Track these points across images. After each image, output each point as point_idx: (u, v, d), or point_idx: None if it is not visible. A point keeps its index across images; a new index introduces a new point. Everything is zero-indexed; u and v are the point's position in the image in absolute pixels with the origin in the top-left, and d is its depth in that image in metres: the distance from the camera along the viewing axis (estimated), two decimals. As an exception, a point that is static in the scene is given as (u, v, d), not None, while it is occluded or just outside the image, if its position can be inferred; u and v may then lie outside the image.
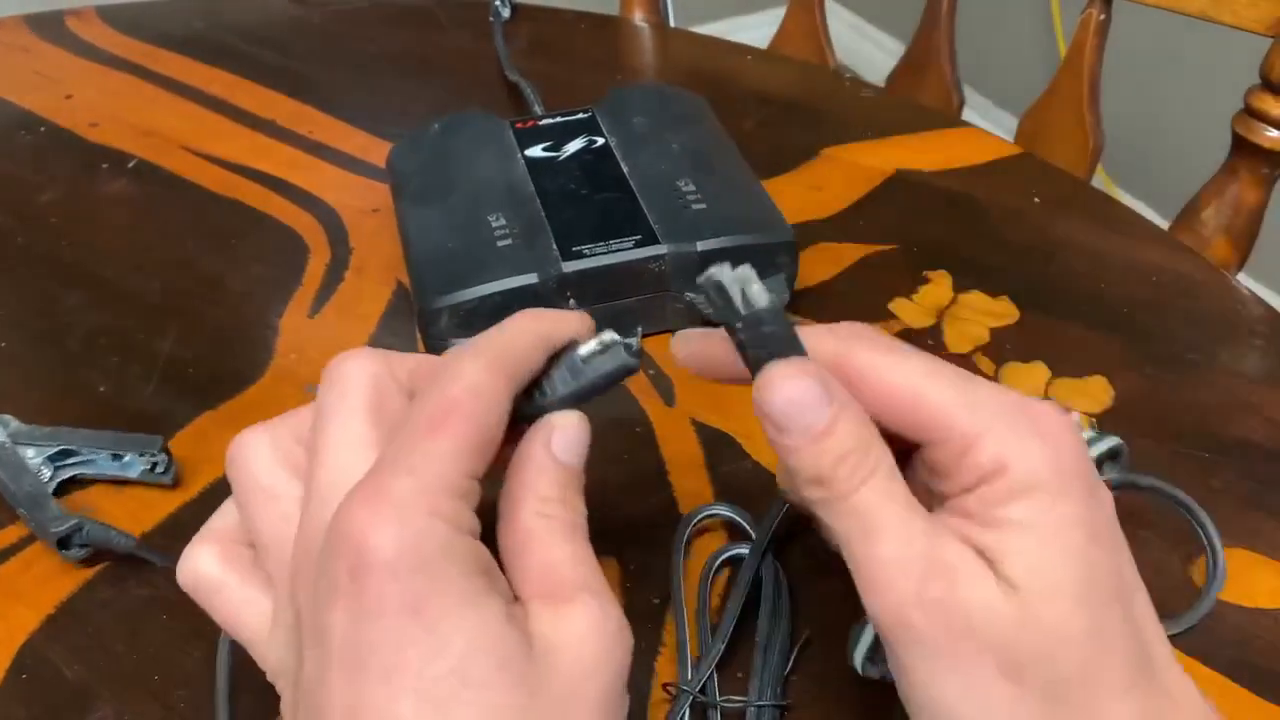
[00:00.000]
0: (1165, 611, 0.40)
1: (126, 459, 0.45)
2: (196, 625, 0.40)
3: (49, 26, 0.77)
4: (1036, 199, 0.59)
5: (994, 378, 0.49)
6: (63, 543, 0.41)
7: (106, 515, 0.43)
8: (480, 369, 0.28)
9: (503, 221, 0.50)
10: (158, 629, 0.40)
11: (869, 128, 0.65)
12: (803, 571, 0.40)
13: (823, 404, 0.28)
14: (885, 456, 0.28)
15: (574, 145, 0.55)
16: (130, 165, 0.64)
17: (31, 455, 0.44)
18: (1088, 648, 0.26)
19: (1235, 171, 0.69)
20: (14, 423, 0.45)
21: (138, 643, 0.39)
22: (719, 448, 0.46)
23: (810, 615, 0.39)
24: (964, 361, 0.50)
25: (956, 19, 0.84)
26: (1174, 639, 0.39)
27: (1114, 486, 0.41)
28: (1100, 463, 0.41)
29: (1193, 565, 0.41)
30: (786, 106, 0.68)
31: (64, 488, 0.44)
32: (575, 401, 0.31)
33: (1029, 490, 0.27)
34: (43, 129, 0.67)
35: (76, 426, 0.45)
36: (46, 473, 0.44)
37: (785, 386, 0.28)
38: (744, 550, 0.40)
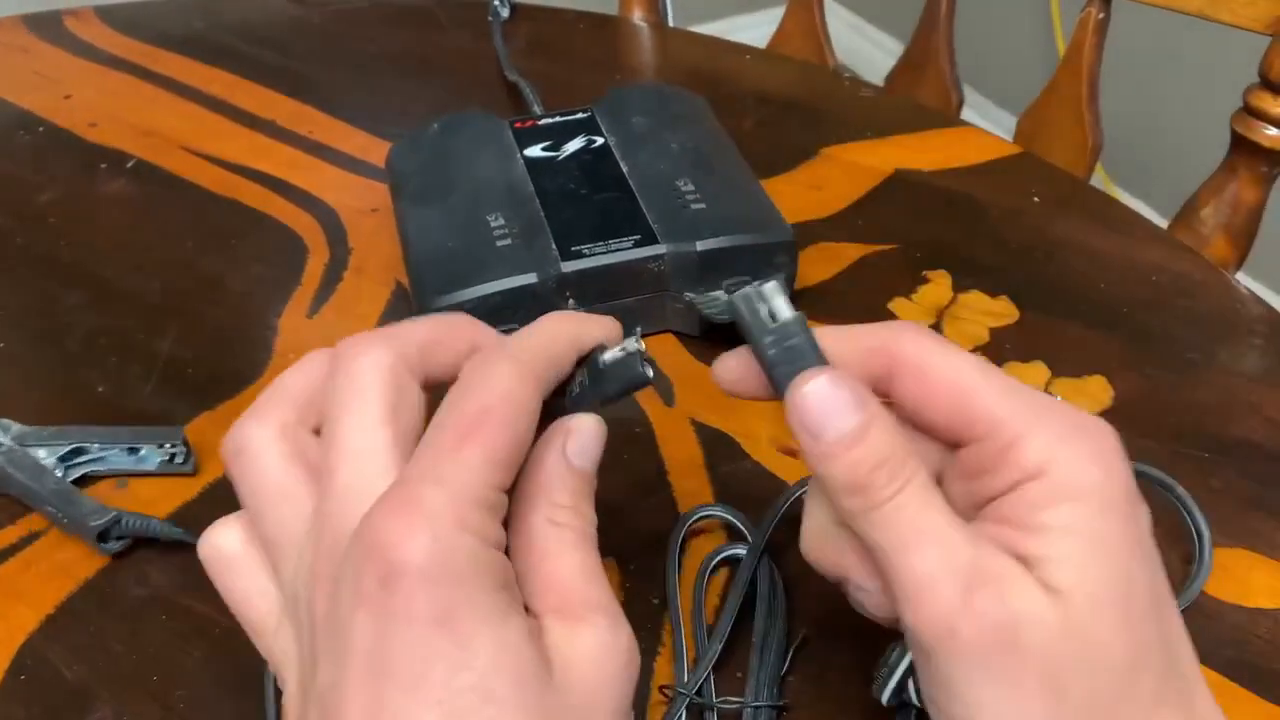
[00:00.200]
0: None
1: (143, 452, 0.45)
2: (197, 625, 0.40)
3: (48, 26, 0.77)
4: (1036, 198, 0.59)
5: (993, 377, 0.49)
6: (102, 536, 0.41)
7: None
8: (513, 375, 0.28)
9: (502, 221, 0.50)
10: (157, 629, 0.40)
11: (868, 127, 0.65)
12: (799, 572, 0.40)
13: (855, 409, 0.28)
14: (921, 467, 0.28)
15: (573, 145, 0.55)
16: (129, 165, 0.64)
17: (43, 456, 0.44)
18: (1127, 661, 0.26)
19: (1234, 170, 0.69)
20: (15, 426, 0.45)
21: (137, 643, 0.39)
22: (719, 448, 0.46)
23: (806, 616, 0.39)
24: (963, 361, 0.50)
25: (955, 18, 0.84)
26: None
27: None
28: None
29: (1191, 564, 0.41)
30: (786, 106, 0.68)
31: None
32: (593, 406, 0.31)
33: (1072, 496, 0.27)
34: (41, 129, 0.67)
35: (80, 426, 0.45)
36: (59, 473, 0.44)
37: (818, 392, 0.28)
38: (740, 551, 0.40)
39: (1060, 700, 0.26)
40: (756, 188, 0.53)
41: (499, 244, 0.48)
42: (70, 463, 0.44)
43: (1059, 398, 0.29)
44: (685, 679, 0.37)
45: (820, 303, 0.53)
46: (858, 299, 0.53)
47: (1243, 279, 0.57)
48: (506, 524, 0.28)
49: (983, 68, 1.78)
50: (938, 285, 0.54)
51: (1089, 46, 0.76)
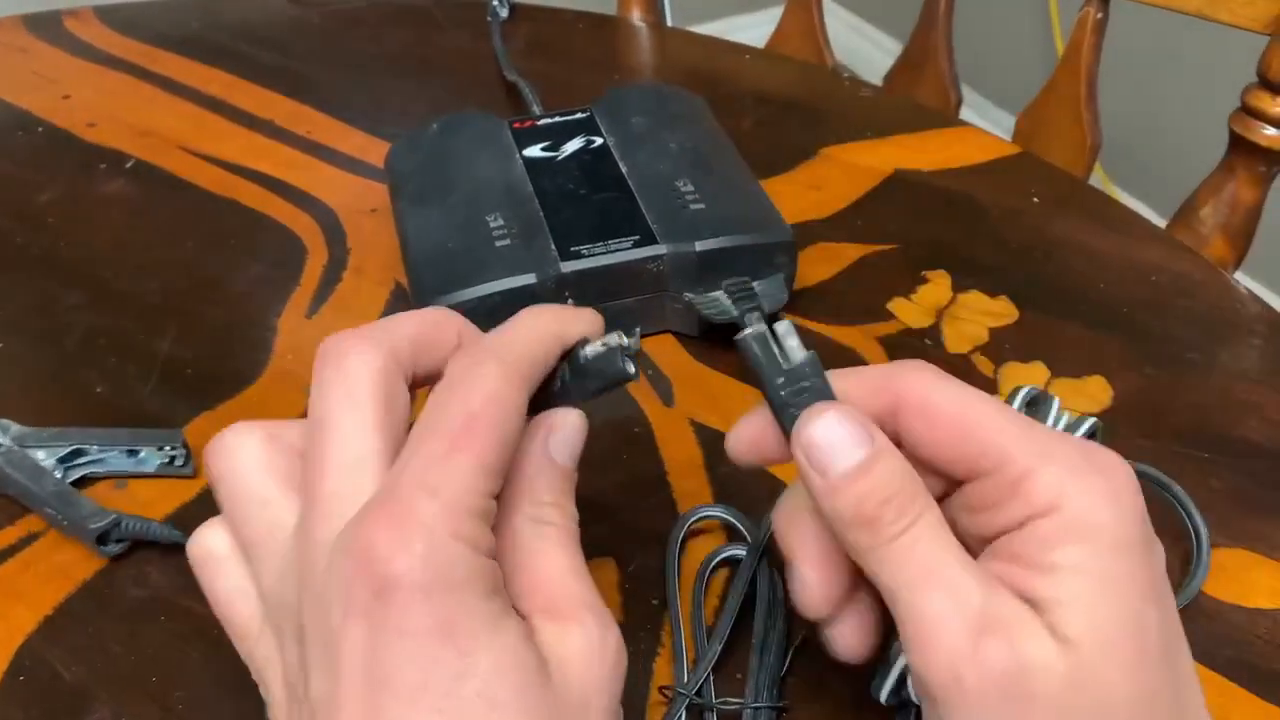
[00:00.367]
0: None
1: (142, 454, 0.45)
2: (196, 626, 0.40)
3: (46, 26, 0.77)
4: (1035, 198, 0.59)
5: (993, 378, 0.49)
6: (101, 538, 0.41)
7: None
8: (499, 377, 0.28)
9: (501, 221, 0.50)
10: (156, 630, 0.40)
11: (867, 127, 0.65)
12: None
13: (861, 443, 0.28)
14: (932, 505, 0.28)
15: (572, 145, 0.55)
16: (128, 165, 0.64)
17: (43, 457, 0.44)
18: (1135, 709, 0.26)
19: (1232, 169, 0.69)
20: (14, 426, 0.45)
21: (136, 644, 0.39)
22: (718, 448, 0.45)
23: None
24: (963, 361, 0.50)
25: (954, 18, 0.84)
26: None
27: None
28: None
29: (1189, 564, 0.41)
30: (785, 106, 0.68)
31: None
32: (576, 400, 0.31)
33: (1084, 534, 0.26)
34: (40, 129, 0.67)
35: (75, 427, 0.45)
36: (58, 474, 0.44)
37: (823, 425, 0.28)
38: (740, 551, 0.40)
39: None
40: (756, 188, 0.53)
41: (498, 244, 0.48)
42: (69, 464, 0.44)
43: (1075, 434, 0.29)
44: (685, 679, 0.37)
45: (820, 303, 0.53)
46: (857, 299, 0.53)
47: (1241, 278, 0.57)
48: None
49: (982, 67, 1.78)
50: (937, 285, 0.54)
51: (1087, 46, 0.76)
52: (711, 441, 0.46)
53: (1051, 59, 1.71)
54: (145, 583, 0.41)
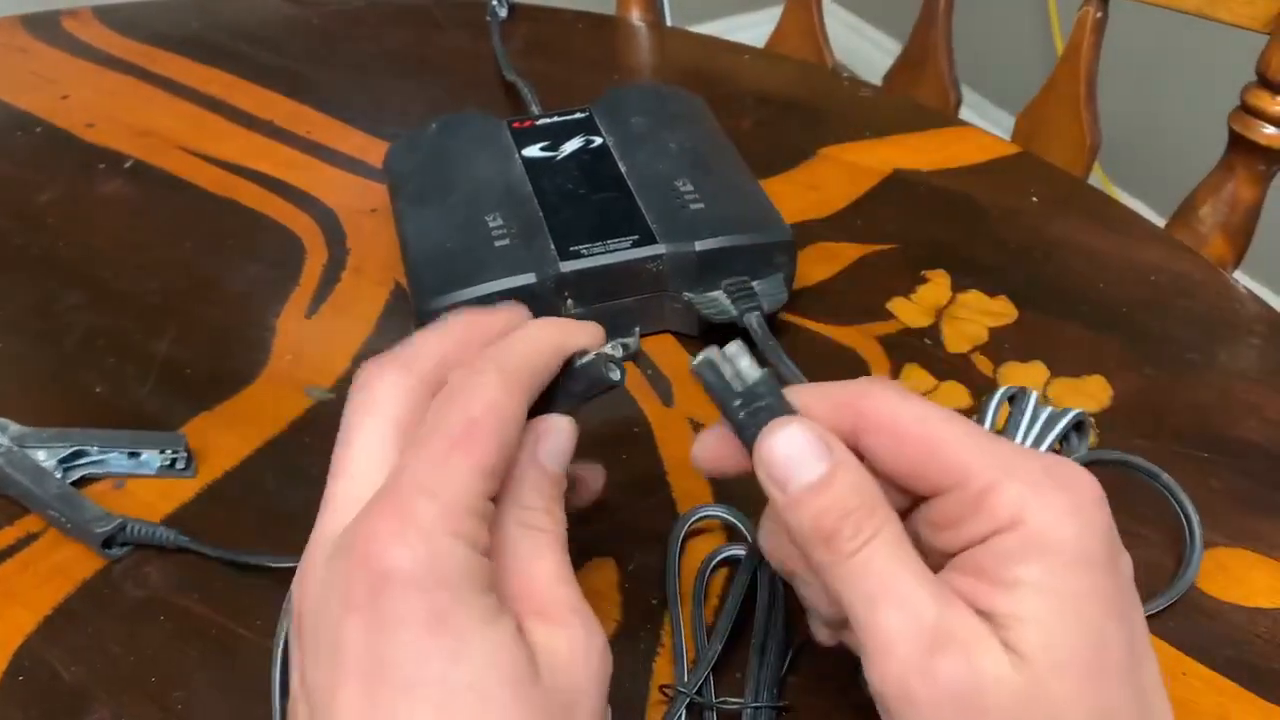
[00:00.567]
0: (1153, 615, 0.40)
1: (144, 456, 0.45)
2: (195, 626, 0.40)
3: (45, 27, 0.77)
4: (1034, 198, 0.59)
5: (992, 377, 0.49)
6: (106, 542, 0.41)
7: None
8: (499, 386, 0.28)
9: (500, 221, 0.50)
10: (155, 630, 0.40)
11: (867, 127, 0.65)
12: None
13: (821, 457, 0.28)
14: (891, 519, 0.28)
15: (571, 145, 0.55)
16: (127, 165, 0.64)
17: (43, 458, 0.44)
18: None
19: (1232, 169, 0.69)
20: (14, 426, 0.45)
21: (135, 644, 0.39)
22: (717, 448, 0.46)
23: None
24: (962, 361, 0.50)
25: (954, 17, 0.84)
26: (1168, 631, 0.39)
27: (1081, 462, 0.41)
28: (1065, 437, 0.41)
29: (1182, 552, 0.41)
30: (784, 106, 0.68)
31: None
32: (565, 406, 0.31)
33: (1045, 549, 0.26)
34: (39, 129, 0.67)
35: (74, 427, 0.45)
36: (58, 474, 0.44)
37: (783, 440, 0.28)
38: (740, 551, 0.40)
39: None
40: (755, 188, 0.53)
41: (497, 244, 0.48)
42: (70, 465, 0.44)
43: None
44: (685, 679, 0.37)
45: (819, 303, 0.53)
46: (856, 299, 0.53)
47: (1240, 278, 0.57)
48: None
49: (981, 67, 1.78)
50: (936, 285, 0.54)
51: (1087, 45, 0.76)
52: (711, 441, 0.46)
53: (1051, 58, 1.71)
54: (144, 583, 0.41)
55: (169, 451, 0.45)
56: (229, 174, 0.63)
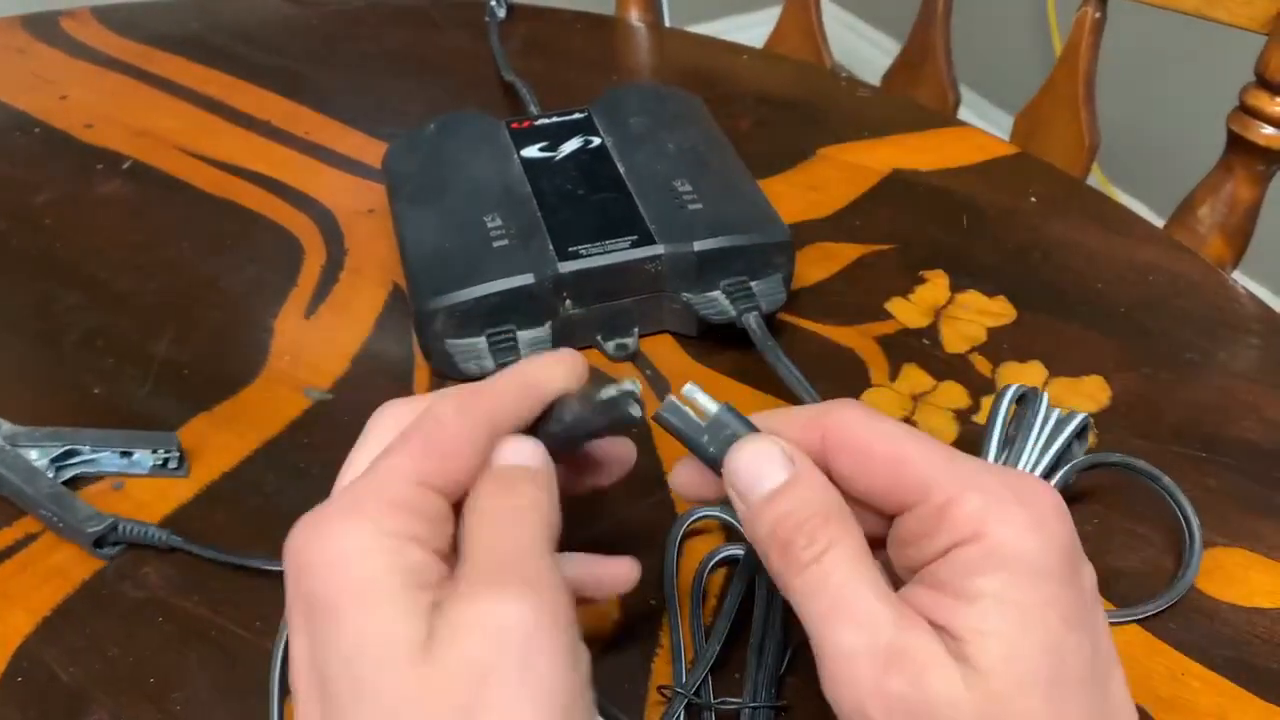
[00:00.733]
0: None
1: (136, 456, 0.45)
2: (193, 627, 0.40)
3: (44, 27, 0.77)
4: (1033, 198, 0.59)
5: (991, 378, 0.49)
6: (98, 542, 0.41)
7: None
8: (454, 408, 0.29)
9: (499, 222, 0.50)
10: (153, 631, 0.40)
11: (865, 127, 0.65)
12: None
13: (781, 467, 0.29)
14: (851, 532, 0.28)
15: (570, 145, 0.55)
16: (125, 166, 0.64)
17: (35, 457, 0.44)
18: None
19: (1230, 169, 0.69)
20: (6, 425, 0.45)
21: (133, 645, 0.39)
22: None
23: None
24: (961, 361, 0.50)
25: (952, 18, 0.84)
26: (1167, 632, 0.39)
27: (1083, 465, 0.41)
28: (1070, 443, 0.41)
29: (1181, 554, 0.41)
30: (783, 106, 0.68)
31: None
32: (581, 438, 0.32)
33: (1004, 562, 0.26)
34: (37, 130, 0.67)
35: (68, 427, 0.45)
36: (50, 474, 0.44)
37: (746, 452, 0.29)
38: (738, 551, 0.40)
39: None
40: (754, 188, 0.53)
41: (496, 245, 0.48)
42: (62, 464, 0.44)
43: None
44: (683, 679, 0.37)
45: (818, 303, 0.53)
46: (855, 299, 0.53)
47: (1239, 278, 0.57)
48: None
49: (979, 67, 1.78)
50: (935, 285, 0.54)
51: (1085, 46, 0.76)
52: (709, 442, 0.46)
53: (1049, 59, 1.71)
54: (143, 584, 0.41)
55: (161, 451, 0.45)
56: (227, 174, 0.63)
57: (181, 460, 0.45)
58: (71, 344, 0.52)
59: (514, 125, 0.56)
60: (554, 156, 0.54)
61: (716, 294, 0.49)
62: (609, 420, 0.32)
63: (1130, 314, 0.52)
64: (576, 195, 0.51)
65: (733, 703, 0.36)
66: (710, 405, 0.31)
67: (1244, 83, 0.68)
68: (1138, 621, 0.39)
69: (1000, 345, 0.51)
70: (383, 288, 0.55)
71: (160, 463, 0.45)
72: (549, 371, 0.32)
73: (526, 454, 0.30)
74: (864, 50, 2.12)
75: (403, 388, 0.49)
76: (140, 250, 0.57)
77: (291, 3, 0.79)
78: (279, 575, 0.40)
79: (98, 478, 0.45)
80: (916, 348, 0.51)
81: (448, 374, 0.48)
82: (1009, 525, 0.26)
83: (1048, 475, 0.41)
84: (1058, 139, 0.78)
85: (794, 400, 0.46)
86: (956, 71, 0.85)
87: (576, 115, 0.57)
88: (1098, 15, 0.75)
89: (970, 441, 0.45)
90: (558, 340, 0.48)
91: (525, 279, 0.47)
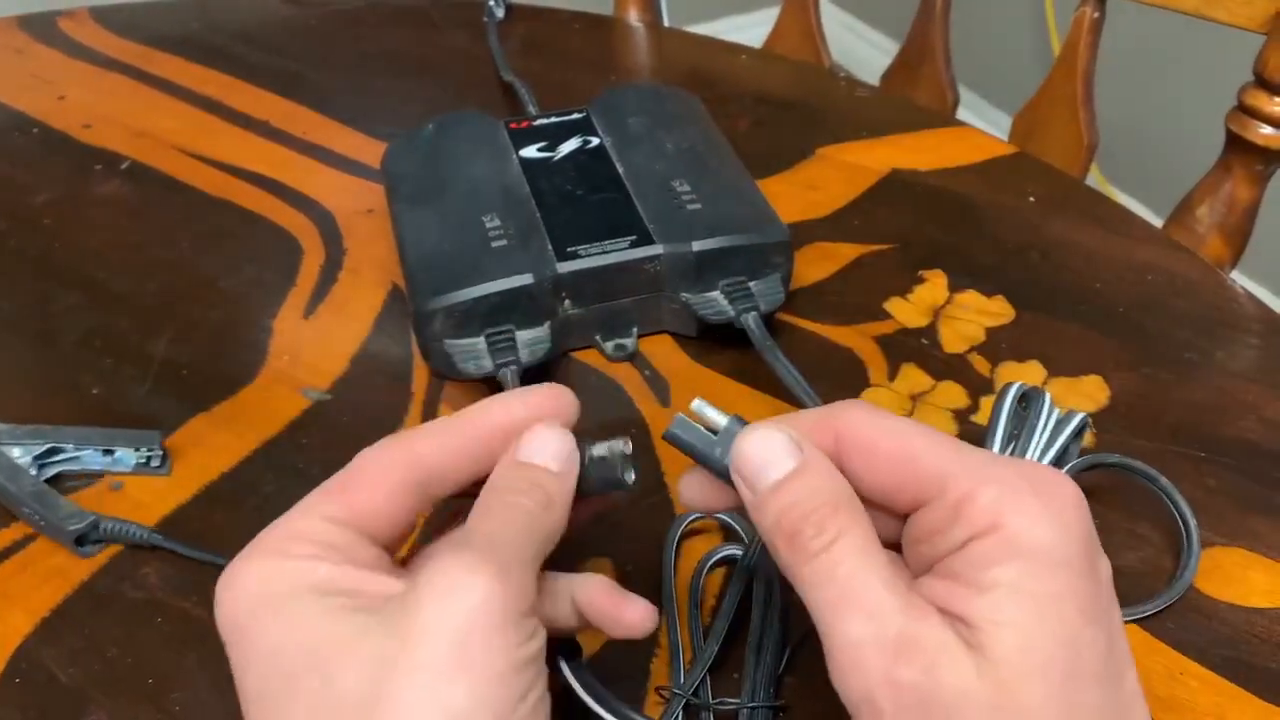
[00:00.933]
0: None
1: (118, 454, 0.45)
2: (192, 628, 0.40)
3: (42, 27, 0.77)
4: (1031, 198, 0.59)
5: (989, 377, 0.49)
6: (79, 540, 0.41)
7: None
8: (373, 448, 0.31)
9: (497, 222, 0.50)
10: (152, 632, 0.40)
11: (864, 127, 0.65)
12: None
13: (789, 455, 0.28)
14: (860, 523, 0.28)
15: (569, 145, 0.55)
16: (124, 166, 0.64)
17: (18, 455, 0.44)
18: None
19: (1229, 169, 0.69)
20: None
21: (132, 646, 0.39)
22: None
23: (803, 615, 0.39)
24: (959, 361, 0.50)
25: (951, 18, 0.84)
26: (1165, 631, 0.39)
27: (1082, 465, 0.41)
28: (1070, 443, 0.41)
29: (1179, 555, 0.41)
30: (781, 106, 0.68)
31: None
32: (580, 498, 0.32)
33: (1021, 552, 0.26)
34: (36, 130, 0.67)
35: (50, 425, 0.45)
36: (33, 471, 0.44)
37: (756, 441, 0.29)
38: (737, 551, 0.40)
39: None
40: (752, 188, 0.53)
41: (494, 245, 0.48)
42: (45, 462, 0.44)
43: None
44: (682, 680, 0.37)
45: (816, 303, 0.53)
46: (854, 299, 0.53)
47: (1237, 277, 0.57)
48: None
49: (978, 67, 1.78)
50: (933, 285, 0.54)
51: (1084, 45, 0.76)
52: (708, 442, 0.46)
53: (1048, 59, 1.72)
54: (142, 585, 0.41)
55: (144, 449, 0.45)
56: (226, 175, 0.63)
57: (164, 459, 0.45)
58: (70, 344, 0.52)
59: (513, 125, 0.56)
60: (553, 156, 0.54)
61: (715, 294, 0.49)
62: (598, 480, 0.32)
63: (1129, 314, 0.52)
64: (575, 195, 0.52)
65: (731, 703, 0.36)
66: (720, 418, 0.31)
67: (1242, 82, 0.68)
68: (1136, 621, 0.39)
69: (999, 345, 0.51)
70: (381, 288, 0.55)
71: (143, 460, 0.45)
72: (495, 409, 0.32)
73: (550, 452, 0.31)
74: (862, 50, 2.12)
75: (401, 388, 0.49)
76: (139, 250, 0.57)
77: (290, 3, 0.79)
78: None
79: (84, 476, 0.45)
80: (915, 347, 0.51)
81: (446, 374, 0.48)
82: (1026, 516, 0.26)
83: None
84: (1056, 139, 0.78)
85: (793, 400, 0.46)
86: (955, 71, 0.85)
87: (575, 115, 0.57)
88: (1096, 15, 0.75)
89: (969, 441, 0.45)
90: (557, 340, 0.48)
91: (524, 279, 0.47)
